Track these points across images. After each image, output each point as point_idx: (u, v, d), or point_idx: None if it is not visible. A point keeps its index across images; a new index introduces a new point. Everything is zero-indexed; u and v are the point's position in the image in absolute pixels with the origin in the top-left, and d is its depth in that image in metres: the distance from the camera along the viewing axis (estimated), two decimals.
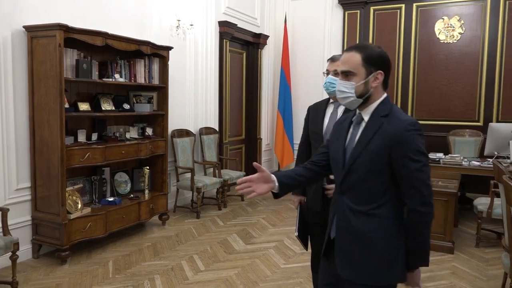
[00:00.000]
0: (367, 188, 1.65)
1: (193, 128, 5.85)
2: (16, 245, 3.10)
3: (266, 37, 7.33)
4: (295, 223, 2.58)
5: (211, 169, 5.97)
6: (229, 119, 6.62)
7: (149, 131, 4.78)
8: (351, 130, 1.75)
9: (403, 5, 6.80)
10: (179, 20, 5.27)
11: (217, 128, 6.33)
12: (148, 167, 4.63)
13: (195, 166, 5.65)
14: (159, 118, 4.85)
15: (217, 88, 6.34)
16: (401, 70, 6.85)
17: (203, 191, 5.28)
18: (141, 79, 4.58)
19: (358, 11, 7.05)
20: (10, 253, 3.10)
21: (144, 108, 4.61)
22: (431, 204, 1.59)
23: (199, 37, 5.84)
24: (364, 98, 1.66)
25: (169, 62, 4.87)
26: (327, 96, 2.60)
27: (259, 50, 7.27)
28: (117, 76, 4.31)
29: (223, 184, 5.74)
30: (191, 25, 5.39)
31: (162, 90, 4.82)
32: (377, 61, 1.66)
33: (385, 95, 1.71)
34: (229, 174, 5.97)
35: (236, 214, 5.47)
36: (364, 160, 1.64)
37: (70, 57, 3.79)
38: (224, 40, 6.33)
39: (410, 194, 1.59)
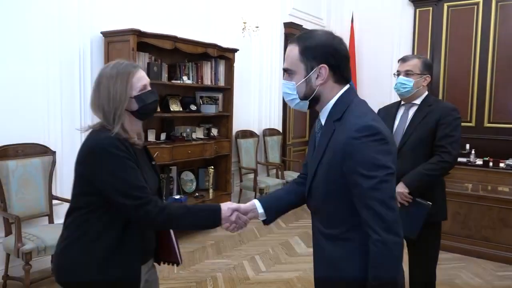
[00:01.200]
0: (332, 209, 1.38)
1: (257, 129, 5.89)
2: None
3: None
4: None
5: (274, 170, 5.98)
6: (293, 120, 6.60)
7: (214, 131, 4.89)
8: (315, 137, 1.48)
9: (481, 1, 6.36)
10: (245, 23, 5.34)
11: (280, 130, 6.33)
12: (212, 167, 4.74)
13: (258, 167, 5.69)
14: (224, 119, 4.94)
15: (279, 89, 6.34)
16: (477, 71, 6.40)
17: (265, 192, 5.30)
18: (207, 80, 4.70)
19: (431, 8, 6.70)
20: None
21: (210, 109, 4.72)
22: (397, 232, 1.24)
23: (264, 39, 5.88)
24: (311, 99, 1.38)
25: (235, 64, 4.95)
26: (395, 98, 2.53)
27: None
28: (185, 78, 4.45)
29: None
30: (257, 27, 5.44)
31: (227, 92, 4.92)
32: (317, 53, 1.33)
33: (341, 91, 1.38)
34: (292, 175, 5.94)
35: (298, 217, 5.43)
36: (321, 177, 1.37)
37: (142, 60, 3.98)
38: (290, 41, 6.31)
39: (368, 220, 1.25)
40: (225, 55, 4.81)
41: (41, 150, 3.41)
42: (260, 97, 5.96)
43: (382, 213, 1.23)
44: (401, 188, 2.30)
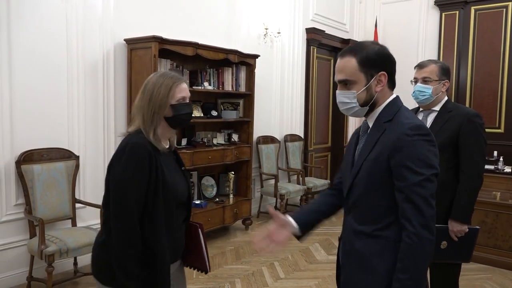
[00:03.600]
0: (370, 205, 1.43)
1: (278, 135, 5.88)
2: None
3: (356, 42, 7.14)
4: None
5: (295, 177, 5.95)
6: (315, 126, 6.56)
7: (235, 137, 4.90)
8: (360, 138, 1.55)
9: (510, 4, 6.18)
10: (266, 29, 5.35)
11: (302, 135, 6.30)
12: (233, 172, 4.75)
13: (279, 173, 5.67)
14: (245, 124, 4.95)
15: (303, 95, 6.32)
16: (506, 76, 6.21)
17: (286, 198, 5.27)
18: (228, 86, 4.73)
19: (457, 11, 6.55)
20: None
21: (231, 115, 4.74)
22: (433, 230, 1.31)
23: (286, 44, 5.88)
24: (370, 104, 1.46)
25: (256, 70, 4.96)
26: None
27: None
28: (206, 84, 4.49)
29: (307, 192, 5.68)
30: (279, 32, 5.44)
31: (248, 97, 4.93)
32: (376, 62, 1.44)
33: (392, 97, 1.50)
34: (313, 182, 5.90)
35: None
36: (364, 172, 1.42)
37: (164, 66, 4.04)
38: (311, 47, 6.30)
39: (407, 213, 1.31)
40: (246, 61, 4.83)
41: (65, 155, 3.50)
42: (281, 103, 5.95)
43: (423, 208, 1.30)
44: (458, 227, 2.24)
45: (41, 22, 3.37)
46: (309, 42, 6.26)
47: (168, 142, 1.73)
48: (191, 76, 4.44)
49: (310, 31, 6.20)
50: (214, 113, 4.65)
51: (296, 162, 6.04)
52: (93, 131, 3.77)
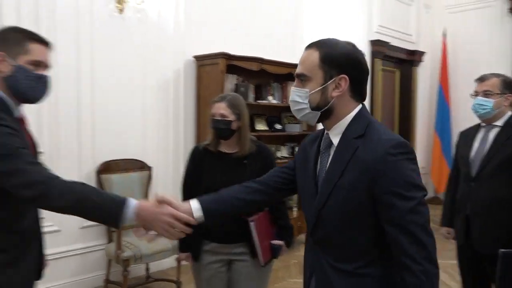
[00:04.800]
0: (346, 242, 1.23)
1: None
2: None
3: (422, 53, 6.94)
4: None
5: None
6: None
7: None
8: (320, 156, 1.32)
9: None
10: None
11: None
12: None
13: None
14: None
15: (368, 107, 6.20)
16: None
17: None
18: None
19: None
20: (176, 255, 3.51)
21: (294, 128, 4.78)
22: (437, 263, 1.12)
23: None
24: (323, 111, 1.25)
25: None
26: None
27: (414, 67, 6.91)
28: (270, 98, 4.58)
29: None
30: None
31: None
32: (340, 62, 1.23)
33: (358, 107, 1.28)
34: None
35: None
36: (336, 202, 1.21)
37: (230, 81, 4.18)
38: (376, 59, 6.20)
39: (406, 248, 1.11)
40: None
41: (139, 165, 3.72)
42: None
43: (424, 240, 1.11)
44: None
45: (120, 42, 3.64)
46: (374, 55, 6.17)
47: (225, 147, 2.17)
48: (256, 91, 4.55)
49: (375, 44, 6.12)
50: (278, 126, 4.72)
51: None
52: (164, 143, 3.98)
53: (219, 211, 1.45)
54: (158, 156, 3.94)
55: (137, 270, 3.70)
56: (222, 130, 2.05)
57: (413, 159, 1.18)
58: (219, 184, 1.72)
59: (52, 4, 3.21)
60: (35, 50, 1.49)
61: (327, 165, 1.27)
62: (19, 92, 1.47)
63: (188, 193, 2.09)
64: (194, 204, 1.42)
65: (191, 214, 1.40)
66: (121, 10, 3.51)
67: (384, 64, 6.47)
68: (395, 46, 6.53)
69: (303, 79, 1.26)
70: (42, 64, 1.51)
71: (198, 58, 4.12)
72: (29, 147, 1.48)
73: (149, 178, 3.76)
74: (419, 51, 6.86)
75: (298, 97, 1.27)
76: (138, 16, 3.64)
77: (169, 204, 1.39)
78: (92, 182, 3.50)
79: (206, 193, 1.51)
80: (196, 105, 4.18)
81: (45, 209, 1.40)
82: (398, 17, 6.68)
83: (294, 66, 4.55)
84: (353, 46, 1.28)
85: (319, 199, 1.26)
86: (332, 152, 1.27)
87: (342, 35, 5.38)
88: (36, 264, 1.60)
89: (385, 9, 6.35)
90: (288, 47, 5.05)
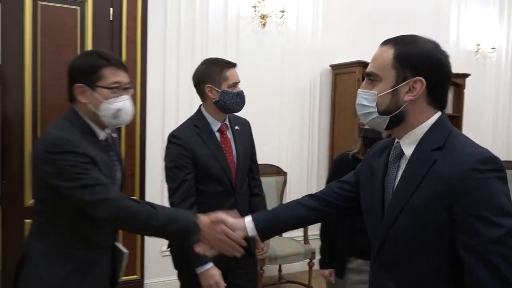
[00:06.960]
0: (416, 268, 1.06)
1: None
2: (313, 253, 3.56)
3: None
4: None
5: None
6: None
7: None
8: (388, 168, 1.16)
9: None
10: (478, 45, 4.93)
11: None
12: None
13: None
14: None
15: None
16: None
17: None
18: None
19: None
20: (308, 260, 3.60)
21: None
22: None
23: (502, 61, 5.27)
24: (393, 116, 1.09)
25: (465, 90, 4.60)
26: None
27: None
28: None
29: None
30: (493, 48, 4.94)
31: (456, 119, 4.58)
32: (416, 63, 1.07)
33: (436, 115, 1.10)
34: None
35: None
36: (406, 223, 1.05)
37: None
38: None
39: (484, 282, 0.93)
40: (454, 81, 4.52)
41: (275, 171, 3.90)
42: (494, 126, 5.33)
43: (506, 274, 0.93)
44: None
45: (262, 54, 3.86)
46: None
47: None
48: None
49: None
50: None
51: None
52: (298, 150, 4.11)
53: (274, 230, 1.43)
54: (293, 162, 4.08)
55: (271, 270, 3.89)
56: (371, 139, 2.05)
57: (504, 178, 0.99)
58: None
59: (205, 27, 3.60)
60: (232, 75, 1.96)
61: (397, 179, 1.13)
62: (226, 109, 1.97)
63: None
64: (249, 224, 1.39)
65: (245, 232, 1.39)
66: (264, 25, 3.75)
67: None
68: None
69: (373, 79, 1.14)
70: (237, 84, 1.98)
71: (335, 67, 4.17)
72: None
73: (284, 183, 3.92)
74: None
75: (364, 99, 1.14)
76: (278, 28, 3.85)
77: (224, 222, 1.39)
78: None
79: None
80: (331, 113, 4.23)
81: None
82: None
83: None
84: (436, 45, 1.14)
85: (387, 219, 1.12)
86: (402, 164, 1.13)
87: (493, 37, 4.86)
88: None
89: None
90: None
